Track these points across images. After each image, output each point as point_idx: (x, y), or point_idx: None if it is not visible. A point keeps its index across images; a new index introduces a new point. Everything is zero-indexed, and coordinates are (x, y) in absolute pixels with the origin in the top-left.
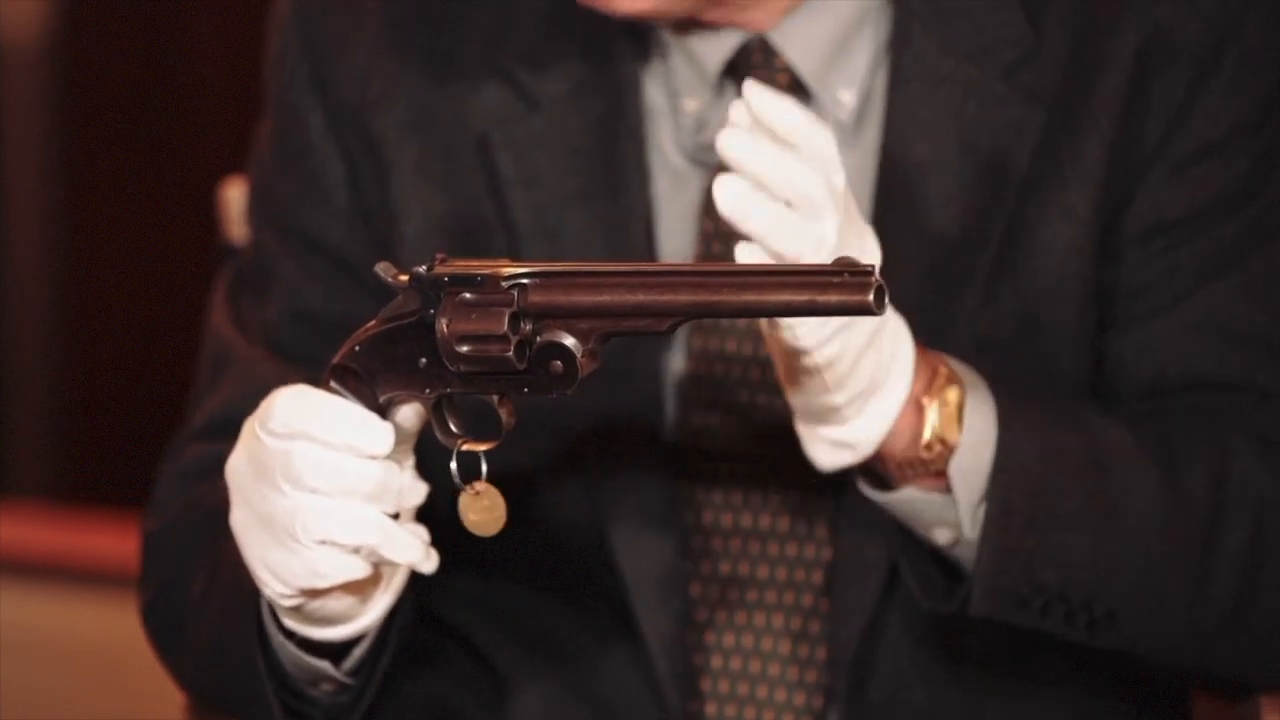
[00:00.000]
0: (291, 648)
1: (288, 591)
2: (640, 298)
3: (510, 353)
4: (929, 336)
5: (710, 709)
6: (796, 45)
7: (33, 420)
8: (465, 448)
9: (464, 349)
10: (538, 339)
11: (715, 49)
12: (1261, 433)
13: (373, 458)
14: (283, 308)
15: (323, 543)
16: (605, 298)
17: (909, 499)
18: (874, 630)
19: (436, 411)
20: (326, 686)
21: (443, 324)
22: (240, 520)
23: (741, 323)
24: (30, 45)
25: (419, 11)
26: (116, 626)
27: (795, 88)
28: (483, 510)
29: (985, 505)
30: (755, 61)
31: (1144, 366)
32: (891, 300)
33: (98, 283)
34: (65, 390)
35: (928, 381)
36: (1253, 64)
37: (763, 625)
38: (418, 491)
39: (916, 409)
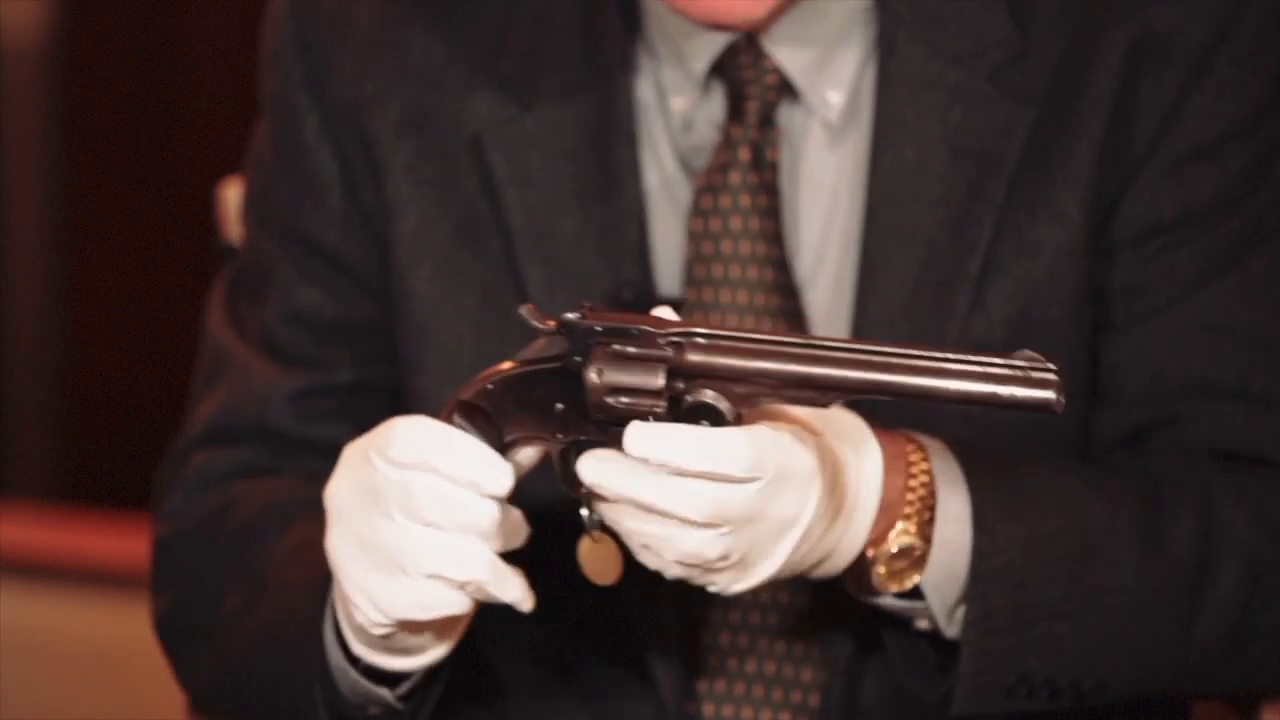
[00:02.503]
0: (354, 674)
1: (384, 621)
2: (806, 369)
3: (663, 408)
4: (921, 341)
5: (708, 710)
6: (786, 46)
7: (33, 420)
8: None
9: (613, 400)
10: (687, 398)
11: (703, 49)
12: (1257, 445)
13: (492, 497)
14: (280, 310)
15: (432, 576)
16: (769, 365)
17: (886, 600)
18: (859, 660)
19: (564, 457)
20: (374, 710)
21: (593, 373)
22: (340, 546)
23: None
24: (30, 45)
25: (413, 14)
26: (117, 627)
27: (784, 88)
28: (600, 559)
29: (965, 607)
30: (743, 62)
31: (1141, 370)
32: (882, 306)
33: (98, 283)
34: (65, 390)
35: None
36: (1248, 64)
37: (765, 649)
38: (524, 533)
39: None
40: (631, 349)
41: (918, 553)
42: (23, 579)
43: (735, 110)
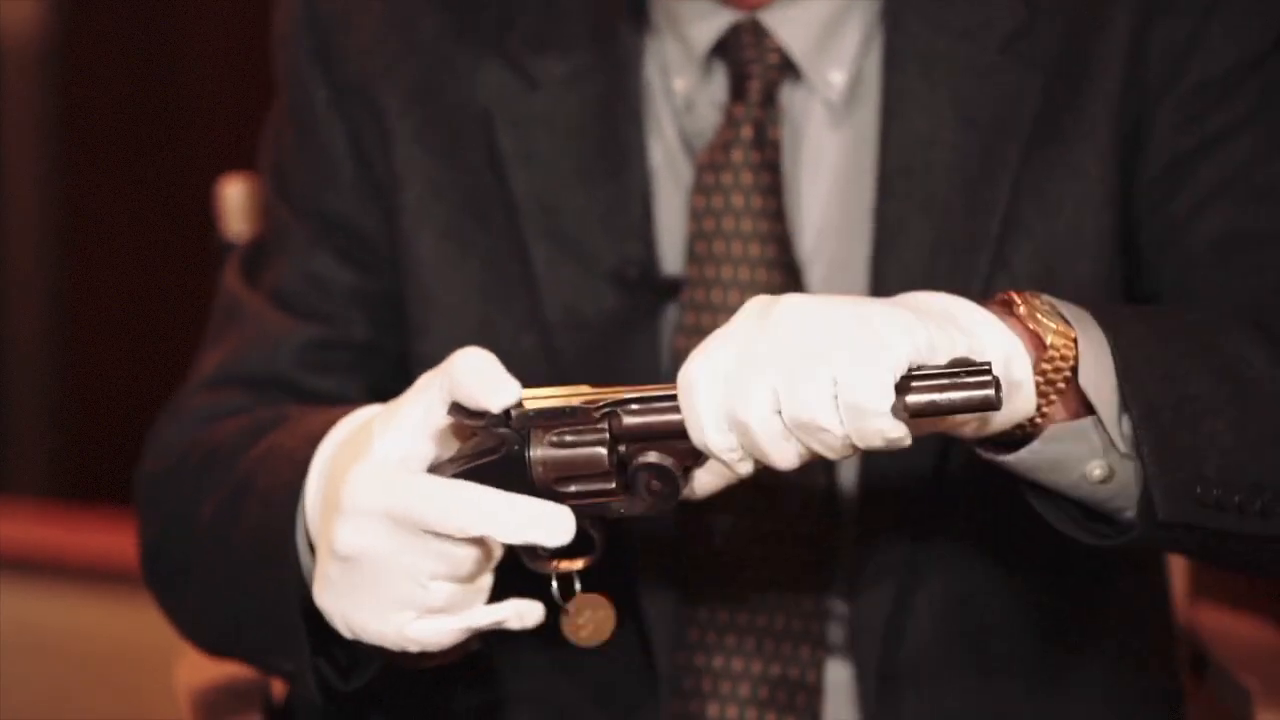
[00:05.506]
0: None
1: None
2: None
3: (612, 483)
4: None
5: (699, 660)
6: (788, 26)
7: (32, 420)
8: (562, 569)
9: (563, 487)
10: (633, 462)
11: (705, 29)
12: None
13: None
14: (295, 270)
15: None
16: None
17: (1055, 436)
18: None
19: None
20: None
21: (538, 463)
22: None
23: None
24: (30, 45)
25: None
26: (116, 625)
27: (786, 68)
28: (591, 621)
29: (1129, 412)
30: (745, 41)
31: (1176, 292)
32: (901, 271)
33: (97, 282)
34: (65, 390)
35: (1001, 300)
36: (1255, 3)
37: (765, 625)
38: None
39: (1015, 319)
40: (569, 431)
41: (1069, 365)
42: (22, 577)
43: (737, 90)
